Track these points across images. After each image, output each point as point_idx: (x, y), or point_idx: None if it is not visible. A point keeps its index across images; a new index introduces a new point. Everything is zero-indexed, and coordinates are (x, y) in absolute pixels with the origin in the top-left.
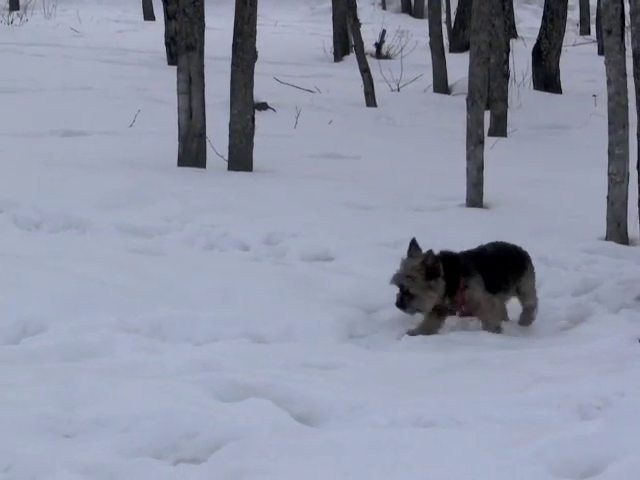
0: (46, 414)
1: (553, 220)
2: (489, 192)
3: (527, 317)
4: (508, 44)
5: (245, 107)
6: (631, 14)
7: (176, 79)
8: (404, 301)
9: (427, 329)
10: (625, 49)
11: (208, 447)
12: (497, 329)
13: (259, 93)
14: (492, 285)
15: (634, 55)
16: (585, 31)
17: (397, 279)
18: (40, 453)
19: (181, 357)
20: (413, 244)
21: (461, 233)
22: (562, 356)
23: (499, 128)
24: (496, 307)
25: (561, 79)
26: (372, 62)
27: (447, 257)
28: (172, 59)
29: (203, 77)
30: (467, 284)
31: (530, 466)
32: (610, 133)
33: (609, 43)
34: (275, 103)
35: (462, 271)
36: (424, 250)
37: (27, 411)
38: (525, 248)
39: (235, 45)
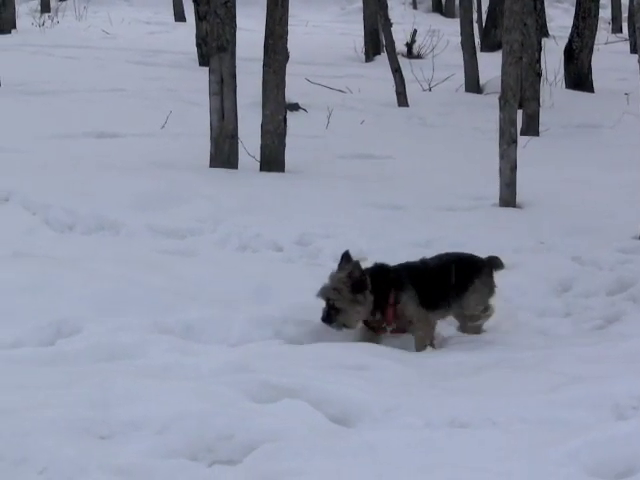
0: (81, 416)
1: (587, 219)
2: (522, 192)
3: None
4: (540, 43)
5: (277, 108)
6: None
7: (208, 80)
8: (330, 315)
9: None
10: None
11: (243, 448)
12: (428, 346)
13: (290, 94)
14: (428, 301)
15: None
16: (617, 29)
17: (323, 292)
18: (75, 455)
19: (215, 358)
20: (345, 257)
21: (494, 233)
22: (597, 356)
23: (531, 127)
24: (430, 324)
25: (593, 78)
26: (403, 62)
27: (376, 270)
28: (203, 60)
29: (235, 78)
30: (398, 299)
31: (565, 467)
32: None
33: None
34: (307, 103)
35: (393, 285)
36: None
37: (62, 413)
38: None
39: (267, 46)
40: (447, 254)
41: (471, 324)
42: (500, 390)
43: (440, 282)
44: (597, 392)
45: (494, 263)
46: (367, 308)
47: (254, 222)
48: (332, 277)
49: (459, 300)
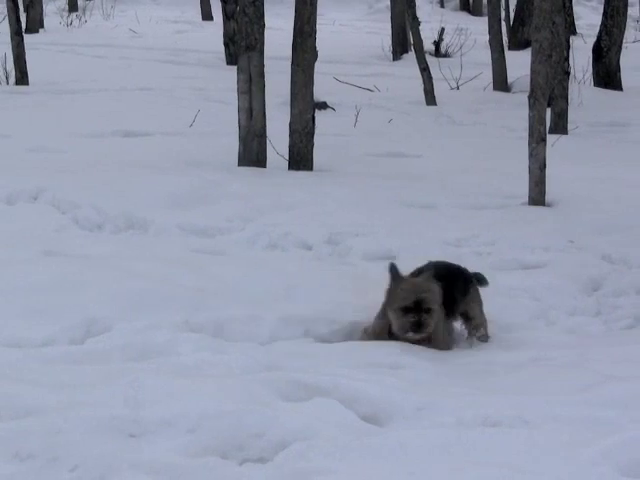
0: (112, 414)
1: (616, 218)
2: (551, 190)
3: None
4: (568, 41)
5: (305, 106)
6: None
7: (236, 79)
8: (427, 320)
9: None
10: None
11: (274, 447)
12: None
13: (318, 92)
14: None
15: None
16: None
17: (420, 301)
18: (107, 453)
19: (245, 357)
20: (392, 269)
21: (523, 232)
22: (629, 355)
23: (560, 126)
24: (448, 337)
25: (622, 76)
26: (431, 60)
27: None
28: (231, 59)
29: (263, 77)
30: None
31: (598, 466)
32: None
33: None
34: (335, 102)
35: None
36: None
37: (93, 411)
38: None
39: (295, 45)
40: (436, 262)
41: (475, 332)
42: (532, 389)
43: (448, 290)
44: (629, 391)
45: (478, 278)
46: None
47: (283, 221)
48: (417, 285)
49: (464, 308)
